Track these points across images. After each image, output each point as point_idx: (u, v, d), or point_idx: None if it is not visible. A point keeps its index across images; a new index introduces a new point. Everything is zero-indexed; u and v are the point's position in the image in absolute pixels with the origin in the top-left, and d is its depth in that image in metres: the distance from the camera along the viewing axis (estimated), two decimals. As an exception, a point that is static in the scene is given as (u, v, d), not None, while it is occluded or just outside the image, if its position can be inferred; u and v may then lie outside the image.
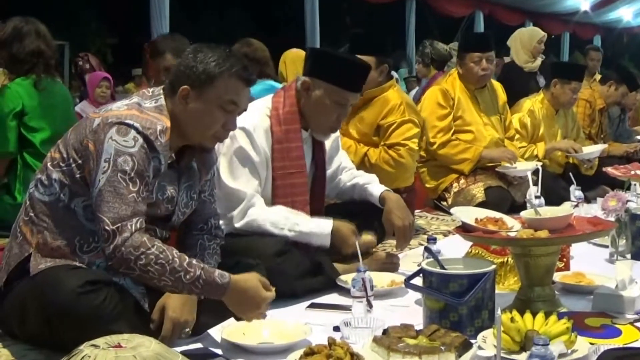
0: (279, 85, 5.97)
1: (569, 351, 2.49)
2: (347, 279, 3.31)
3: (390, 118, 4.74)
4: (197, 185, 2.95)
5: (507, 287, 3.41)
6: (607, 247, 4.06)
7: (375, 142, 4.78)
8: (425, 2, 15.22)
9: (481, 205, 4.75)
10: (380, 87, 4.75)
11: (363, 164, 4.60)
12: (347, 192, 3.92)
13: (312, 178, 3.69)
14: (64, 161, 2.70)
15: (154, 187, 2.72)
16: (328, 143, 3.79)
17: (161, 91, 2.80)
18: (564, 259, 3.65)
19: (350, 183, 3.89)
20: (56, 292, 2.54)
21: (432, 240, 3.39)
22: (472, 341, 2.60)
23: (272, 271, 3.14)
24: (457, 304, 2.75)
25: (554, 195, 5.08)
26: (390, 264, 3.71)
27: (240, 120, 3.44)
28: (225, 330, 2.75)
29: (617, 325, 2.88)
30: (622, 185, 4.98)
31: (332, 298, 3.36)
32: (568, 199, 4.97)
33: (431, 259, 2.97)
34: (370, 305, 2.96)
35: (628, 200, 4.11)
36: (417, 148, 4.80)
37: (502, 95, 5.93)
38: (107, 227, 2.53)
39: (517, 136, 6.00)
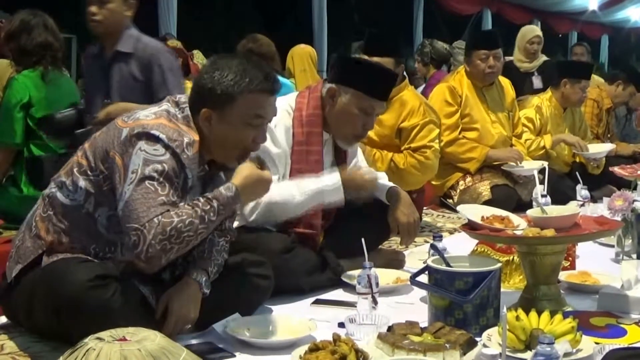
0: (287, 81, 5.98)
1: (574, 350, 2.48)
2: (352, 275, 3.30)
3: (412, 120, 4.71)
4: None
5: (512, 286, 3.41)
6: (613, 246, 4.05)
7: (396, 144, 4.75)
8: (433, -1, 15.23)
9: (487, 203, 4.74)
10: (398, 87, 4.73)
11: (390, 170, 4.58)
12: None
13: None
14: (91, 170, 2.68)
15: (184, 200, 2.67)
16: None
17: (187, 100, 2.76)
18: (570, 258, 3.64)
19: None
20: (65, 284, 2.54)
21: (437, 237, 3.39)
22: (477, 339, 2.60)
23: (278, 268, 3.16)
24: (462, 301, 2.75)
25: (560, 194, 5.07)
26: (396, 261, 3.71)
27: None
28: (230, 325, 2.75)
29: (622, 325, 2.87)
30: (628, 184, 4.95)
31: (337, 294, 3.36)
32: (574, 198, 4.95)
33: (437, 257, 2.97)
34: (375, 302, 2.96)
35: (634, 200, 4.08)
36: (439, 148, 4.81)
37: (510, 93, 5.91)
38: (134, 232, 2.49)
39: (524, 129, 5.99)
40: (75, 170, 2.71)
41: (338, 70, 3.55)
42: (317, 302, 3.25)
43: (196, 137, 2.67)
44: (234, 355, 2.65)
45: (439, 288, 2.83)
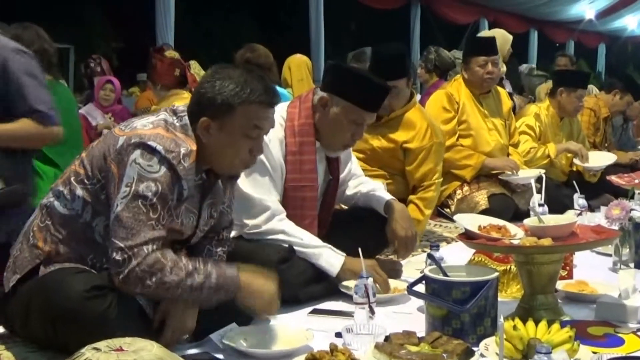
0: (284, 91, 5.98)
1: (572, 360, 2.48)
2: (349, 285, 3.30)
3: (417, 143, 4.69)
4: (219, 203, 2.94)
5: (509, 295, 3.40)
6: (610, 255, 4.05)
7: (400, 159, 4.73)
8: (429, 9, 15.28)
9: (484, 212, 4.73)
10: (406, 106, 4.71)
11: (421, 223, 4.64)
12: (351, 198, 3.91)
13: (325, 187, 3.68)
14: (88, 179, 2.67)
15: (180, 212, 2.68)
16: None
17: (185, 109, 2.77)
18: (567, 267, 3.64)
19: (356, 189, 3.88)
20: (62, 295, 2.53)
21: (435, 247, 3.39)
22: (475, 349, 2.60)
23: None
24: (459, 311, 2.74)
25: (558, 203, 5.07)
26: (393, 271, 3.71)
27: None
28: (227, 336, 2.75)
29: (619, 335, 2.87)
30: (626, 194, 4.96)
31: (335, 304, 3.35)
32: (571, 207, 4.95)
33: (434, 266, 2.97)
34: (372, 311, 2.96)
35: (632, 209, 4.09)
36: (441, 178, 4.82)
37: (507, 102, 5.93)
38: (120, 252, 2.51)
39: (525, 138, 6.01)
40: (72, 179, 2.70)
41: (332, 79, 3.55)
42: (314, 312, 3.25)
43: (193, 147, 2.66)
44: (231, 366, 2.64)
45: (436, 297, 2.82)
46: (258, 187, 3.40)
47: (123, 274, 2.51)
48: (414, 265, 3.83)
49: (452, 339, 2.61)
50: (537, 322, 2.64)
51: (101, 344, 2.16)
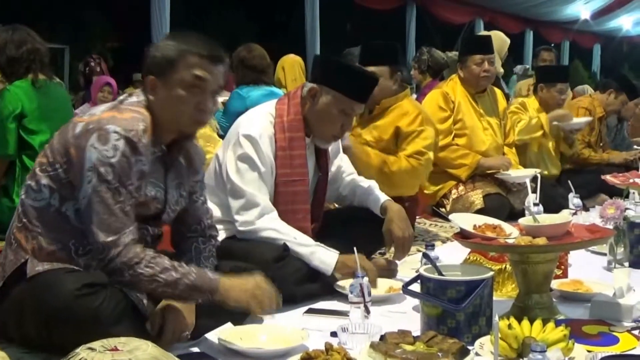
0: (279, 91, 5.98)
1: (566, 358, 2.49)
2: (345, 284, 3.30)
3: (410, 127, 4.71)
4: (186, 184, 2.96)
5: (504, 294, 3.41)
6: (605, 254, 4.06)
7: (394, 150, 4.74)
8: (425, 9, 15.28)
9: (480, 212, 4.74)
10: (395, 96, 4.74)
11: (381, 171, 4.58)
12: (347, 198, 3.92)
13: (315, 182, 3.69)
14: (50, 165, 2.69)
15: (143, 187, 2.71)
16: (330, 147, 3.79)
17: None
18: (562, 267, 3.65)
19: (351, 189, 3.89)
20: (54, 295, 2.54)
21: (430, 246, 3.39)
22: (470, 348, 2.60)
23: (270, 277, 3.16)
24: (454, 310, 2.75)
25: (553, 202, 5.07)
26: (388, 270, 3.71)
27: (245, 127, 3.46)
28: (223, 335, 2.75)
29: (614, 333, 2.87)
30: (620, 193, 4.97)
31: (330, 304, 3.35)
32: (566, 207, 4.96)
33: (429, 265, 2.97)
34: (367, 311, 2.96)
35: (626, 208, 4.11)
36: (432, 158, 4.80)
37: (502, 101, 5.95)
38: (100, 240, 2.57)
39: (517, 116, 6.04)
40: (37, 170, 2.74)
41: (321, 71, 3.56)
42: (309, 311, 3.25)
43: (147, 117, 2.69)
44: (227, 365, 2.65)
45: (431, 297, 2.83)
46: (248, 183, 3.42)
47: (104, 261, 2.58)
48: (409, 265, 3.83)
49: (447, 338, 2.61)
50: (532, 321, 2.64)
51: (96, 344, 2.16)
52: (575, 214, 4.67)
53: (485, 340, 2.65)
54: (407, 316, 3.19)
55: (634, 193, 5.12)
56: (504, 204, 5.43)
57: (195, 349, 2.76)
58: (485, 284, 2.80)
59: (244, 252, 3.26)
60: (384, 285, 3.48)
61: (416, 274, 3.04)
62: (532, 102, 6.34)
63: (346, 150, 4.09)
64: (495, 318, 2.31)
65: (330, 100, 3.50)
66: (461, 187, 5.54)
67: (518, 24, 17.97)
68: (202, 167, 3.07)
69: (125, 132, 2.60)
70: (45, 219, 2.71)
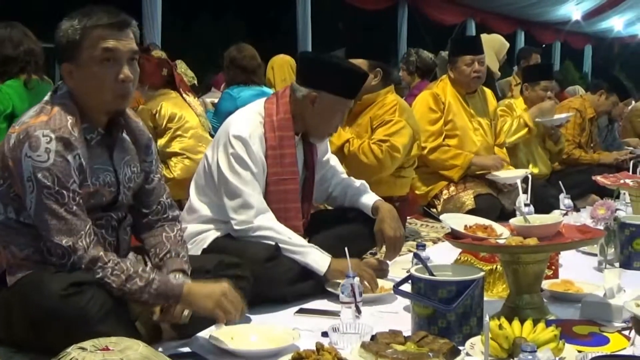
0: (270, 91, 5.99)
1: (557, 359, 2.49)
2: (336, 285, 3.31)
3: (382, 115, 4.74)
4: (135, 160, 2.92)
5: (495, 295, 3.41)
6: (595, 255, 4.06)
7: None
8: (417, 9, 15.27)
9: (471, 212, 4.73)
10: (378, 92, 4.76)
11: (341, 151, 4.62)
12: (337, 198, 3.92)
13: (303, 180, 3.70)
14: None
15: (88, 177, 2.69)
16: (319, 146, 3.80)
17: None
18: (553, 267, 3.66)
19: (342, 189, 3.89)
20: (40, 295, 2.53)
21: (421, 246, 3.40)
22: (460, 348, 2.60)
23: (261, 276, 3.17)
24: (445, 310, 2.75)
25: (544, 203, 5.09)
26: (379, 271, 3.71)
27: (235, 128, 3.46)
28: (214, 335, 2.74)
29: (604, 333, 2.88)
30: (611, 194, 4.98)
31: (321, 304, 3.36)
32: (557, 207, 4.97)
33: (420, 266, 2.98)
34: (358, 311, 2.96)
35: (617, 209, 4.12)
36: (399, 147, 4.70)
37: (492, 102, 5.95)
38: (59, 244, 2.57)
39: (504, 119, 6.05)
40: None
41: (316, 75, 3.56)
42: (300, 311, 3.25)
43: (72, 104, 2.67)
44: (218, 365, 2.64)
45: (422, 297, 2.83)
46: (243, 182, 3.42)
47: (67, 266, 2.58)
48: (400, 265, 3.84)
49: (438, 338, 2.62)
50: (522, 322, 2.65)
51: (87, 344, 2.16)
52: (566, 214, 4.68)
53: (476, 340, 2.66)
54: (398, 316, 3.19)
55: (624, 194, 5.14)
56: (495, 204, 5.44)
57: (186, 349, 2.77)
58: (476, 284, 2.81)
59: (236, 252, 3.25)
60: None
61: (407, 274, 3.04)
62: (519, 103, 6.37)
63: None
64: (486, 318, 2.31)
65: (329, 103, 3.53)
66: (452, 188, 5.55)
67: (509, 25, 17.98)
68: (152, 143, 3.04)
69: (55, 132, 2.59)
70: (10, 230, 2.71)
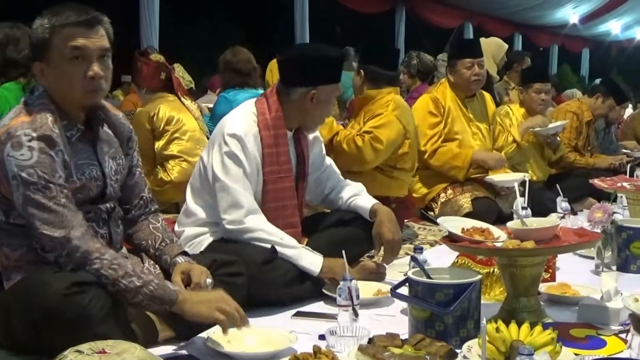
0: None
1: (554, 362, 2.49)
2: (333, 287, 3.30)
3: (373, 109, 4.82)
4: (119, 152, 2.94)
5: (492, 298, 3.41)
6: (592, 258, 4.06)
7: None
8: (414, 13, 15.30)
9: (468, 215, 4.75)
10: (379, 90, 4.84)
11: (330, 141, 4.67)
12: (334, 201, 3.91)
13: (296, 174, 3.70)
14: None
15: (74, 172, 2.71)
16: (313, 148, 3.82)
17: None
18: (550, 270, 3.66)
19: (338, 192, 3.88)
20: (42, 295, 2.52)
21: (418, 249, 3.40)
22: (458, 351, 2.61)
23: (258, 279, 3.17)
24: (442, 313, 2.75)
25: (541, 206, 5.09)
26: (376, 273, 3.72)
27: (229, 127, 3.47)
28: (211, 338, 2.75)
29: (602, 337, 2.88)
30: (608, 197, 4.99)
31: (318, 306, 3.36)
32: (554, 211, 4.98)
33: (417, 269, 2.98)
34: (356, 314, 2.96)
35: (614, 212, 4.12)
36: (382, 139, 4.73)
37: (491, 106, 5.95)
38: (51, 238, 2.58)
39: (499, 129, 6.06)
40: None
41: (311, 72, 3.56)
42: (297, 314, 3.25)
43: (49, 103, 2.69)
44: (215, 368, 2.64)
45: (419, 300, 2.83)
46: (233, 180, 3.42)
47: (62, 258, 2.60)
48: (397, 268, 3.84)
49: (435, 341, 2.62)
50: (519, 325, 2.64)
51: (84, 347, 2.15)
52: (563, 217, 4.68)
53: (473, 343, 2.66)
54: (395, 319, 3.19)
55: (621, 197, 5.14)
56: (492, 207, 5.44)
57: (183, 352, 2.76)
58: (473, 287, 2.81)
59: (233, 254, 3.25)
60: (372, 288, 3.49)
61: (404, 277, 3.04)
62: (517, 109, 6.36)
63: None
64: (483, 321, 2.31)
65: (326, 94, 3.57)
66: (450, 191, 5.55)
67: (507, 28, 18.01)
68: (134, 136, 3.05)
69: (36, 131, 2.61)
70: (1, 232, 2.72)
